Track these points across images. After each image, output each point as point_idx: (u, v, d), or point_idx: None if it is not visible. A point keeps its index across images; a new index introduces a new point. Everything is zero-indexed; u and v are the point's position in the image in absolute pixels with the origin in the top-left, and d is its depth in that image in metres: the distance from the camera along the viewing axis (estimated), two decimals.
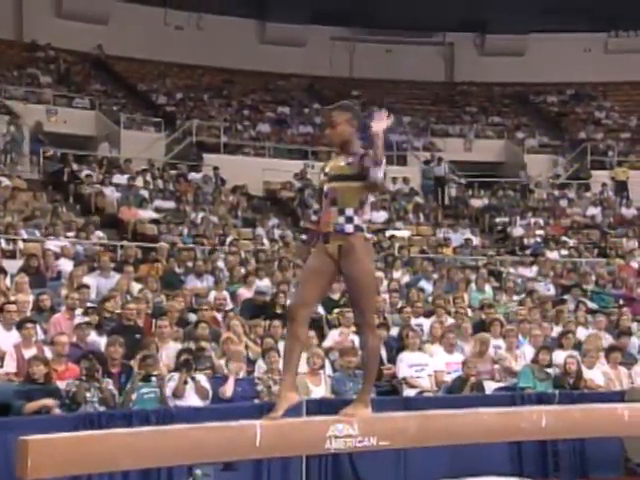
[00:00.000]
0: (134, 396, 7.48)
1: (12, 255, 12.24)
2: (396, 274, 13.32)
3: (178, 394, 7.61)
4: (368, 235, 4.45)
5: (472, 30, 26.52)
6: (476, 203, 20.58)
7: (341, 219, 4.35)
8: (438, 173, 21.08)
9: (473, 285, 12.82)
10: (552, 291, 13.71)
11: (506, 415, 4.87)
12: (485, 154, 23.33)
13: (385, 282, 12.43)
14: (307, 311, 4.41)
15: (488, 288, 12.82)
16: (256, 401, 7.73)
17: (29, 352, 7.75)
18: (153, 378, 7.60)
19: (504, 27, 25.46)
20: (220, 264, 12.62)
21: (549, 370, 8.98)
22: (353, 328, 9.71)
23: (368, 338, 4.42)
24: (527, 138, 24.02)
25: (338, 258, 4.36)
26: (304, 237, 4.80)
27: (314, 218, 4.67)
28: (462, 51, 26.93)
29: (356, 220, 4.35)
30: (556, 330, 10.53)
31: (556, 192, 21.35)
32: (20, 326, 8.10)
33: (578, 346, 9.65)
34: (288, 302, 9.12)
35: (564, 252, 16.93)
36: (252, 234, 16.14)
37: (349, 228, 4.35)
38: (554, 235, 18.27)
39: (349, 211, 4.35)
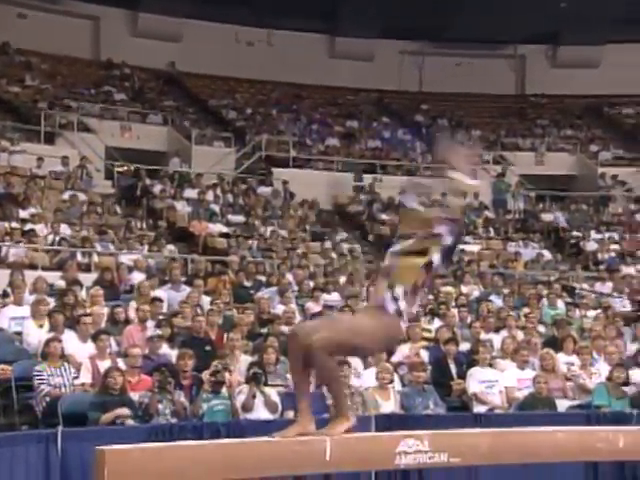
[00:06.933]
0: (205, 407, 7.55)
1: (87, 268, 12.52)
2: (465, 289, 13.17)
3: (247, 407, 7.66)
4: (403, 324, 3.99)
5: (544, 42, 26.15)
6: (548, 217, 20.21)
7: (388, 294, 3.95)
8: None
9: (545, 300, 12.59)
10: (628, 307, 13.37)
11: (581, 434, 4.74)
12: (557, 167, 22.91)
13: (454, 296, 12.31)
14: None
15: (561, 304, 12.57)
16: (326, 415, 7.69)
17: (103, 363, 7.91)
18: (223, 390, 7.66)
19: (578, 38, 25.01)
20: (289, 278, 12.68)
21: (625, 388, 8.74)
22: (423, 343, 9.65)
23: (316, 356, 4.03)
24: (601, 151, 23.53)
25: None
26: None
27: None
28: (534, 63, 26.55)
29: (401, 305, 3.94)
30: (632, 348, 10.25)
31: (632, 206, 20.83)
32: (95, 338, 8.28)
33: None
34: None
35: None
36: (320, 248, 16.17)
37: (390, 308, 3.94)
38: (630, 250, 17.81)
39: (399, 290, 3.93)
